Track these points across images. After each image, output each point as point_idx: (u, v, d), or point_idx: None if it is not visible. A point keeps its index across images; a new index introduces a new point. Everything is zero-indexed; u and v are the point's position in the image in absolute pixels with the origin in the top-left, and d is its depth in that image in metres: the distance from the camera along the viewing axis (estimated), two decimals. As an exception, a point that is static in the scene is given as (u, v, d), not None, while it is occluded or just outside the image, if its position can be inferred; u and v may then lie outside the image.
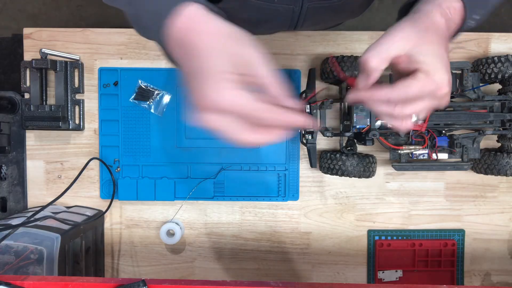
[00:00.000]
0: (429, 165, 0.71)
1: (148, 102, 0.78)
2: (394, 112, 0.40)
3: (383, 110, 0.41)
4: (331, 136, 0.73)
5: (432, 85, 0.38)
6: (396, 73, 0.43)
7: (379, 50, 0.39)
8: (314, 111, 0.70)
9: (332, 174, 0.73)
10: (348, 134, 0.72)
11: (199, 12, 0.37)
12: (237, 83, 0.36)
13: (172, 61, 0.44)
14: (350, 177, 0.72)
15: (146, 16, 0.41)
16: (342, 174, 0.72)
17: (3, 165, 0.76)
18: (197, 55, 0.37)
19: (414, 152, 0.70)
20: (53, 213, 0.70)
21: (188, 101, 0.39)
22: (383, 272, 0.80)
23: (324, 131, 0.73)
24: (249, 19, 0.65)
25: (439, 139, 0.70)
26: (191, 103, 0.39)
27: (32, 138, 0.79)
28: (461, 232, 0.80)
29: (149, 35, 0.43)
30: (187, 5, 0.37)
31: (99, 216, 0.76)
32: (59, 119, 0.75)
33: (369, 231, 0.80)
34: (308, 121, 0.37)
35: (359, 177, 0.72)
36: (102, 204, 0.79)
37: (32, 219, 0.63)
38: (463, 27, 0.43)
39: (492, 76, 0.70)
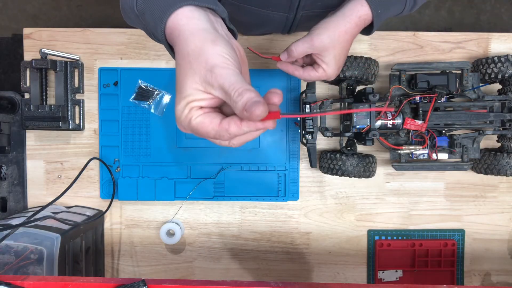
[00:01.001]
0: (429, 165, 0.71)
1: (148, 102, 0.78)
2: (299, 77, 0.60)
3: (293, 74, 0.60)
4: (331, 136, 0.73)
5: (325, 76, 0.58)
6: (307, 56, 0.59)
7: (302, 47, 0.56)
8: (314, 111, 0.70)
9: (332, 174, 0.73)
10: (348, 134, 0.72)
11: (191, 19, 0.40)
12: (205, 106, 0.39)
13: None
14: (350, 177, 0.72)
15: (151, 32, 0.45)
16: (342, 174, 0.72)
17: (3, 165, 0.76)
18: (177, 74, 0.40)
19: (414, 152, 0.70)
20: (53, 213, 0.70)
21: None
22: (383, 272, 0.80)
23: (324, 131, 0.73)
24: (244, 22, 0.67)
25: (439, 139, 0.70)
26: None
27: (32, 138, 0.79)
28: (461, 232, 0.80)
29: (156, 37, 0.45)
30: (175, 15, 0.40)
31: (99, 216, 0.76)
32: (59, 119, 0.75)
33: (369, 231, 0.80)
34: (269, 126, 0.42)
35: (359, 177, 0.72)
36: (102, 204, 0.79)
37: (32, 219, 0.63)
38: (373, 29, 0.56)
39: (492, 76, 0.70)
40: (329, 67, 0.57)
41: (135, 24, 0.48)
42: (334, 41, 0.54)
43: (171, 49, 0.43)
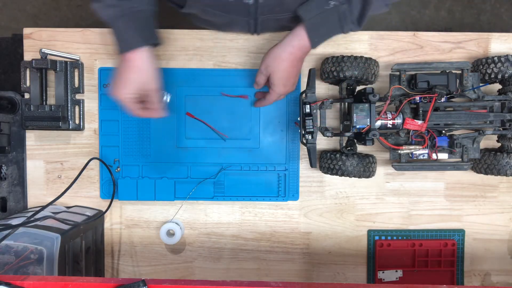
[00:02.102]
0: (429, 165, 0.71)
1: (148, 102, 0.77)
2: (266, 104, 0.74)
3: (262, 105, 0.75)
4: (331, 136, 0.73)
5: (276, 95, 0.70)
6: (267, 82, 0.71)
7: (259, 73, 0.70)
8: (314, 111, 0.70)
9: (332, 174, 0.73)
10: (348, 134, 0.72)
11: (141, 58, 0.62)
12: (134, 96, 0.64)
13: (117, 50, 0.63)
14: (350, 177, 0.72)
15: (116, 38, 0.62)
16: (342, 174, 0.72)
17: (3, 165, 0.75)
18: (125, 75, 0.62)
19: (414, 152, 0.70)
20: (53, 213, 0.70)
21: (112, 81, 0.64)
22: (383, 272, 0.80)
23: (324, 131, 0.73)
24: (212, 22, 0.73)
25: (439, 139, 0.70)
26: (112, 85, 0.64)
27: (32, 138, 0.79)
28: (461, 232, 0.80)
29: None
30: (137, 51, 0.61)
31: (99, 216, 0.76)
32: (59, 119, 0.75)
33: (369, 231, 0.80)
34: (162, 114, 0.67)
35: (359, 177, 0.72)
36: (102, 204, 0.79)
37: (32, 219, 0.63)
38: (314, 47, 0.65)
39: (492, 76, 0.70)
40: (276, 86, 0.68)
41: (101, 12, 0.60)
42: (275, 66, 0.67)
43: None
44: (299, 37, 0.64)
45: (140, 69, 0.61)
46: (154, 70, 0.63)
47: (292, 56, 0.65)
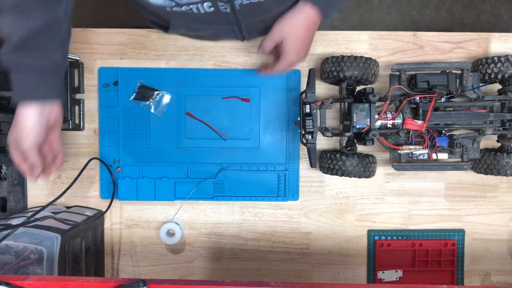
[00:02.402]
0: (429, 165, 0.71)
1: (148, 102, 0.78)
2: (275, 72, 0.72)
3: (270, 72, 0.73)
4: (331, 136, 0.73)
5: (287, 62, 0.67)
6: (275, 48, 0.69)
7: (267, 39, 0.66)
8: (314, 111, 0.70)
9: (332, 174, 0.73)
10: (348, 134, 0.72)
11: (32, 112, 0.59)
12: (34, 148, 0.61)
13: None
14: (350, 177, 0.72)
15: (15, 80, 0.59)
16: (342, 174, 0.72)
17: (3, 165, 0.75)
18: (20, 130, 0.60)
19: (414, 152, 0.70)
20: (53, 213, 0.70)
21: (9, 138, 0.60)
22: (383, 272, 0.80)
23: (324, 131, 0.73)
24: (201, 36, 0.75)
25: (439, 139, 0.70)
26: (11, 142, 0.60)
27: (32, 138, 0.79)
28: (461, 232, 0.80)
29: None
30: (29, 105, 0.59)
31: (99, 216, 0.76)
32: (59, 119, 0.74)
33: (369, 231, 0.80)
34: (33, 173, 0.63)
35: (359, 177, 0.72)
36: (102, 204, 0.79)
37: (32, 219, 0.63)
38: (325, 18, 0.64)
39: (492, 76, 0.70)
40: (288, 54, 0.66)
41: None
42: (290, 30, 0.64)
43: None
44: (308, 11, 0.62)
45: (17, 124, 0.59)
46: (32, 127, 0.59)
47: (308, 21, 0.63)
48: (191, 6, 0.61)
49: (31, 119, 0.59)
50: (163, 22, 0.70)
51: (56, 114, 0.62)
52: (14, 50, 0.55)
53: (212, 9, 0.61)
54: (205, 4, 0.60)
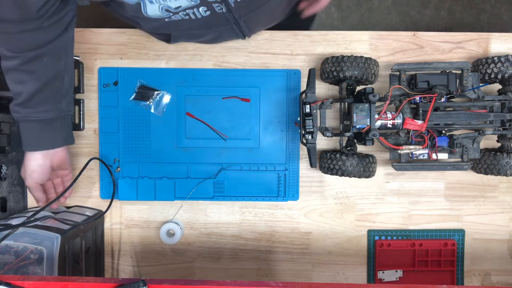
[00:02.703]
0: (429, 165, 0.71)
1: (148, 102, 0.78)
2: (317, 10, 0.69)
3: (312, 11, 0.69)
4: (331, 136, 0.73)
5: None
6: None
7: None
8: (314, 111, 0.70)
9: (332, 174, 0.73)
10: (348, 134, 0.72)
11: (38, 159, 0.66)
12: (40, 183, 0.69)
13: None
14: (350, 177, 0.72)
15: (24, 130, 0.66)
16: (342, 174, 0.72)
17: (3, 165, 0.75)
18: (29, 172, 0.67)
19: (414, 152, 0.70)
20: (53, 213, 0.70)
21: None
22: (383, 272, 0.80)
23: (324, 131, 0.73)
24: (203, 40, 0.75)
25: (439, 139, 0.70)
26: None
27: (32, 138, 0.79)
28: (461, 232, 0.80)
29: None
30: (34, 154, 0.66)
31: (99, 216, 0.76)
32: (59, 119, 0.74)
33: (369, 231, 0.80)
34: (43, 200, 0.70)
35: (359, 177, 0.72)
36: (102, 204, 0.79)
37: (32, 219, 0.63)
38: None
39: (492, 76, 0.70)
40: None
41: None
42: None
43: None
44: None
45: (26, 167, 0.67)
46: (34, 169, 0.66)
47: None
48: (187, 11, 0.61)
49: (34, 163, 0.66)
50: (163, 35, 0.72)
51: (60, 157, 0.68)
52: (22, 106, 0.62)
53: (208, 12, 0.62)
54: (200, 9, 0.61)
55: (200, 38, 0.73)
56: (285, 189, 0.79)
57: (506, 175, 0.70)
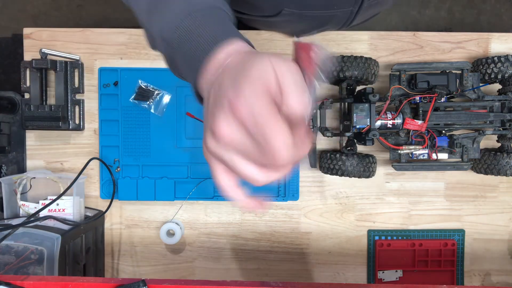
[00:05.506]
0: (429, 165, 0.71)
1: (148, 102, 0.78)
2: None
3: None
4: (331, 136, 0.73)
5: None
6: None
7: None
8: (314, 111, 0.70)
9: (332, 174, 0.73)
10: (348, 134, 0.72)
11: (243, 50, 0.34)
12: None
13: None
14: (350, 177, 0.72)
15: (183, 59, 0.38)
16: (342, 174, 0.72)
17: (3, 165, 0.75)
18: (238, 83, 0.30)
19: (414, 152, 0.70)
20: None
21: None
22: (383, 272, 0.80)
23: (324, 131, 0.73)
24: (298, 28, 0.66)
25: (439, 139, 0.70)
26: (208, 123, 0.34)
27: (32, 138, 0.79)
28: (461, 232, 0.80)
29: (184, 77, 0.42)
30: (230, 43, 0.34)
31: (99, 216, 0.76)
32: (59, 119, 0.75)
33: (369, 231, 0.80)
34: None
35: (359, 177, 0.72)
36: (102, 204, 0.79)
37: (32, 219, 0.63)
38: None
39: (492, 76, 0.70)
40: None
41: (160, 50, 0.42)
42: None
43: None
44: None
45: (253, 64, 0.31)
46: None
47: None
48: None
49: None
50: (271, 11, 0.58)
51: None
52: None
53: None
54: None
55: (306, 21, 0.62)
56: (285, 189, 0.79)
57: (506, 175, 0.70)
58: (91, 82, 0.79)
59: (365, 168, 0.71)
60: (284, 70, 0.30)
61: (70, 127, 0.77)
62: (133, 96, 0.77)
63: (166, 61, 0.42)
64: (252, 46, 0.36)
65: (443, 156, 0.70)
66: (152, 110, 0.78)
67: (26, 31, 0.78)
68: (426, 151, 0.70)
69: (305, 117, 0.30)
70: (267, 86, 0.29)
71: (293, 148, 0.30)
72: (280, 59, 0.30)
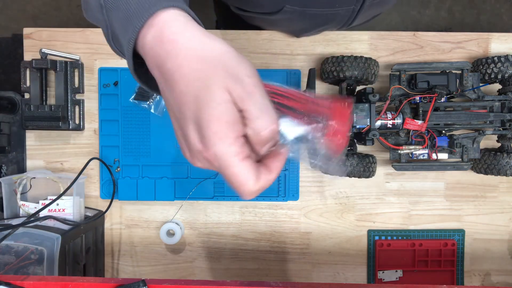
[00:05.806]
0: (429, 165, 0.71)
1: (148, 102, 0.78)
2: None
3: None
4: (331, 136, 0.73)
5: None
6: None
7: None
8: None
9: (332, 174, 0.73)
10: (348, 134, 0.72)
11: (177, 23, 0.31)
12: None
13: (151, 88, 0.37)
14: (350, 177, 0.72)
15: (117, 27, 0.35)
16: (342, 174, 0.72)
17: (3, 165, 0.75)
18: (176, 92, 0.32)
19: (414, 152, 0.70)
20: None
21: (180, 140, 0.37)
22: (383, 272, 0.80)
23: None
24: (299, 27, 0.65)
25: (439, 139, 0.70)
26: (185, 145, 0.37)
27: (32, 138, 0.79)
28: (461, 232, 0.80)
29: (121, 47, 0.38)
30: (162, 11, 0.31)
31: (99, 216, 0.76)
32: (59, 119, 0.75)
33: (369, 231, 0.80)
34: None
35: (359, 177, 0.72)
36: (102, 204, 0.79)
37: (32, 219, 0.63)
38: None
39: (492, 76, 0.70)
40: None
41: (96, 20, 0.39)
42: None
43: (136, 61, 0.36)
44: None
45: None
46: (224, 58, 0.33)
47: None
48: None
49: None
50: (272, 8, 0.56)
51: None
52: None
53: None
54: None
55: (307, 20, 0.62)
56: (285, 189, 0.79)
57: (506, 175, 0.70)
58: (91, 82, 0.79)
59: (365, 168, 0.71)
60: (244, 96, 0.30)
61: (70, 127, 0.77)
62: (133, 96, 0.77)
63: (103, 30, 0.39)
64: (193, 17, 0.34)
65: (443, 156, 0.70)
66: (152, 110, 0.78)
67: (26, 31, 0.78)
68: (426, 151, 0.70)
69: (274, 135, 0.32)
70: (231, 119, 0.30)
71: (257, 181, 0.33)
72: (237, 82, 0.30)
